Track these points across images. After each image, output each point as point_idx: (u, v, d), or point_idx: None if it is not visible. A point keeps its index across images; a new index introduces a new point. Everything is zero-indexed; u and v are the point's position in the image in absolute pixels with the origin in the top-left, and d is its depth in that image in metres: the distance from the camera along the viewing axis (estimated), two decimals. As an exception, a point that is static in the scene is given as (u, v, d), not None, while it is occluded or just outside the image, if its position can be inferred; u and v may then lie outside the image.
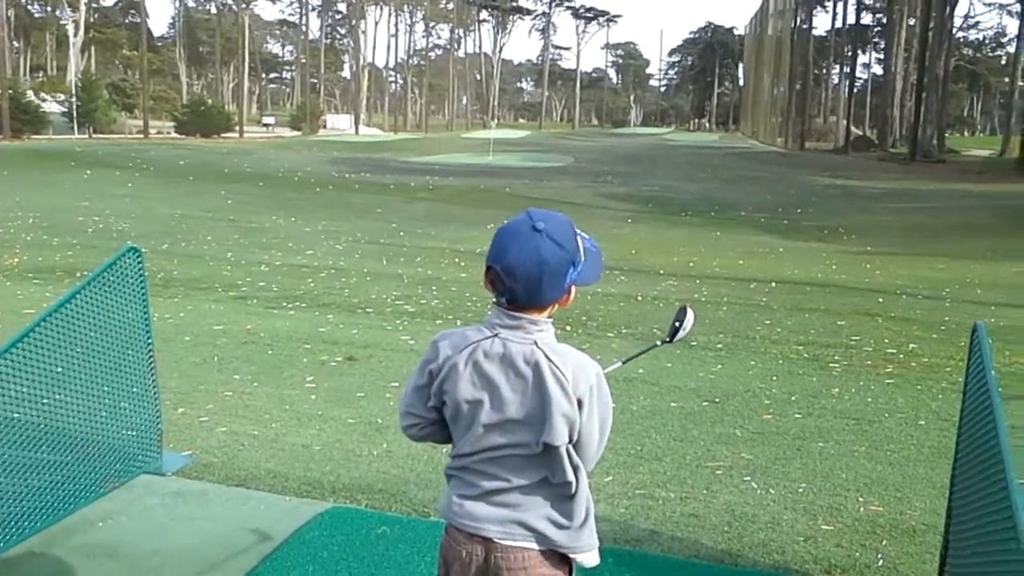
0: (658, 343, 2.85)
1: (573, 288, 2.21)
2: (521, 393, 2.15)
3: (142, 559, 3.95)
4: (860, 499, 4.87)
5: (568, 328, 9.74)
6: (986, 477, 3.04)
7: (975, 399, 3.37)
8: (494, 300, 2.21)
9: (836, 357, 8.63)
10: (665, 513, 4.63)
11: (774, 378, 7.67)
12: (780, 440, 5.89)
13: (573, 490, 2.21)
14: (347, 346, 8.42)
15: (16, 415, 4.22)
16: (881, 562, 4.11)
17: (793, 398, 7.00)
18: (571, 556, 2.24)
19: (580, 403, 2.15)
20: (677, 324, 2.81)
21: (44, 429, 4.36)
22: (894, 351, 8.98)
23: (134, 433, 4.90)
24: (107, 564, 3.90)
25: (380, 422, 6.04)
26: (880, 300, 12.47)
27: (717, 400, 6.88)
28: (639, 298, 12.09)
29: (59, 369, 4.38)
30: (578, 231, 2.24)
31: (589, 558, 2.26)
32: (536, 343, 2.16)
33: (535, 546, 2.20)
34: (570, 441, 2.18)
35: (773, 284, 13.85)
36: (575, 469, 2.20)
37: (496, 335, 2.17)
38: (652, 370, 7.80)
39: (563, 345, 2.20)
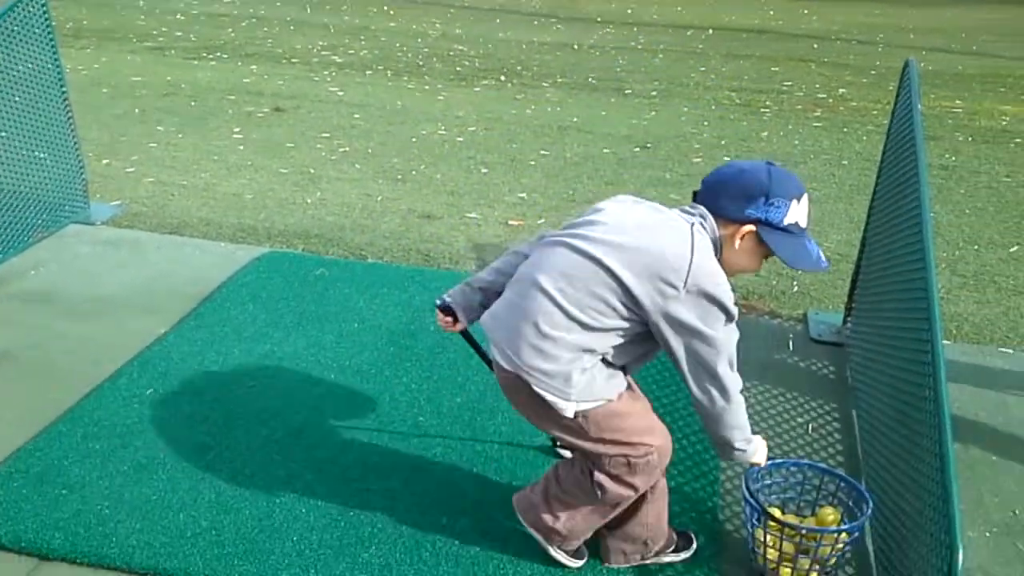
0: None
1: (747, 229, 2.03)
2: (646, 230, 2.03)
3: (79, 304, 3.99)
4: (780, 234, 5.07)
5: (503, 78, 9.55)
6: (901, 204, 3.16)
7: (899, 133, 3.44)
8: None
9: (767, 102, 8.67)
10: (595, 250, 4.78)
11: (706, 123, 7.71)
12: (708, 181, 6.02)
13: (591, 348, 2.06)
14: (273, 97, 8.16)
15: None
16: (796, 288, 4.36)
17: (723, 142, 7.09)
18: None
19: (676, 290, 1.95)
20: None
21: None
22: (824, 95, 9.05)
23: (57, 183, 4.79)
24: (43, 310, 3.93)
25: (312, 172, 5.99)
26: (815, 46, 12.37)
27: (649, 145, 6.93)
28: (575, 47, 11.79)
29: (-32, 119, 4.21)
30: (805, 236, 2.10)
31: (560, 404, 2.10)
32: (692, 226, 2.02)
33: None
34: (644, 317, 2.01)
35: (710, 31, 13.59)
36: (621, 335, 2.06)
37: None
38: (586, 119, 7.78)
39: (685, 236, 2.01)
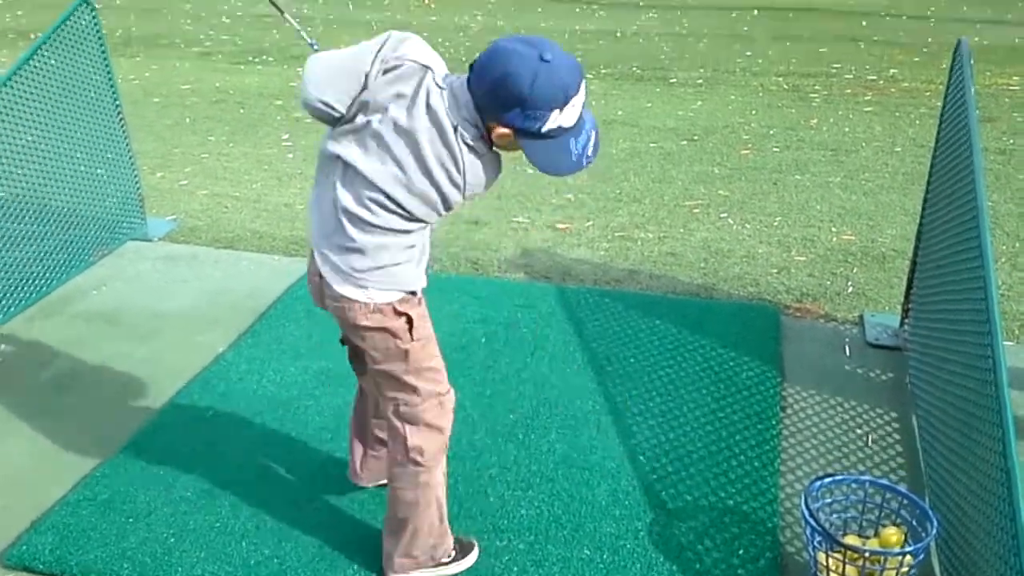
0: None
1: (504, 131, 1.98)
2: (426, 170, 2.05)
3: (141, 323, 4.09)
4: (833, 229, 5.00)
5: (545, 69, 9.49)
6: (956, 200, 3.09)
7: (953, 118, 3.36)
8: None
9: (816, 87, 8.52)
10: (643, 253, 4.77)
11: (753, 112, 7.61)
12: (757, 175, 5.95)
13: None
14: (320, 100, 8.22)
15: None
16: (851, 289, 4.30)
17: (772, 132, 6.99)
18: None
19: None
20: None
21: (21, 201, 4.33)
22: (874, 77, 8.86)
23: (115, 200, 4.90)
24: (107, 329, 4.03)
25: (360, 177, 6.03)
26: (863, 23, 12.12)
27: (696, 138, 6.86)
28: (618, 34, 11.69)
29: (28, 138, 4.30)
30: (588, 123, 2.05)
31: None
32: (459, 129, 2.01)
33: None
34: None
35: (755, 11, 13.38)
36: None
37: (443, 91, 2.02)
38: (631, 111, 7.73)
39: (478, 159, 2.05)
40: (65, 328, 4.05)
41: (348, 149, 2.08)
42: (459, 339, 3.84)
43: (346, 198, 2.11)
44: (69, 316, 4.16)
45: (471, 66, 2.01)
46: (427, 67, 2.04)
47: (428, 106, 2.02)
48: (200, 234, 5.08)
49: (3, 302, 4.10)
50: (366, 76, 2.03)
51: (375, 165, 2.06)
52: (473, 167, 2.05)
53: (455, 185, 2.07)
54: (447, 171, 2.05)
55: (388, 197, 2.08)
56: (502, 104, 1.95)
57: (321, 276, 2.23)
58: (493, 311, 4.11)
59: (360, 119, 2.06)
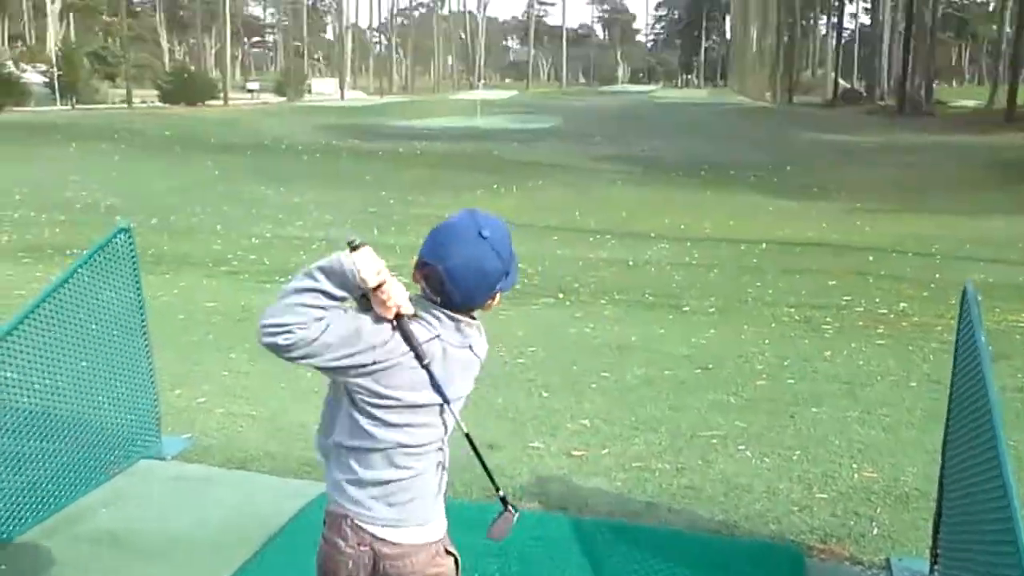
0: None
1: (498, 295, 2.24)
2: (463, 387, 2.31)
3: (147, 545, 4.00)
4: (854, 466, 4.93)
5: (561, 296, 9.78)
6: (977, 443, 3.08)
7: (965, 363, 3.40)
8: (420, 293, 2.20)
9: (828, 319, 8.68)
10: (661, 485, 4.69)
11: (766, 342, 7.72)
12: (773, 407, 5.95)
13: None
14: (341, 320, 8.41)
15: (12, 402, 4.21)
16: (876, 531, 4.18)
17: (786, 363, 7.05)
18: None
19: None
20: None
21: (40, 416, 4.35)
22: (885, 311, 9.04)
23: (132, 417, 4.91)
24: (112, 551, 3.94)
25: (377, 398, 6.06)
26: (870, 258, 12.51)
27: (710, 367, 6.93)
28: (630, 263, 12.10)
29: (53, 354, 4.38)
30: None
31: None
32: (471, 347, 2.25)
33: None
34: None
35: (764, 245, 13.87)
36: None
37: (437, 336, 2.16)
38: (645, 338, 7.86)
39: (480, 333, 2.29)
40: (69, 547, 3.96)
41: (394, 435, 2.19)
42: (471, 573, 3.71)
43: (410, 466, 2.23)
44: (74, 535, 4.08)
45: (437, 291, 2.15)
46: (408, 350, 2.12)
47: (446, 357, 2.18)
48: (214, 453, 5.06)
49: (9, 522, 4.03)
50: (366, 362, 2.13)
51: (431, 433, 2.24)
52: (481, 348, 2.29)
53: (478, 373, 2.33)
54: (474, 376, 2.31)
55: (447, 440, 2.28)
56: (495, 285, 2.19)
57: (373, 540, 2.23)
58: (507, 543, 3.90)
59: (387, 417, 2.17)
